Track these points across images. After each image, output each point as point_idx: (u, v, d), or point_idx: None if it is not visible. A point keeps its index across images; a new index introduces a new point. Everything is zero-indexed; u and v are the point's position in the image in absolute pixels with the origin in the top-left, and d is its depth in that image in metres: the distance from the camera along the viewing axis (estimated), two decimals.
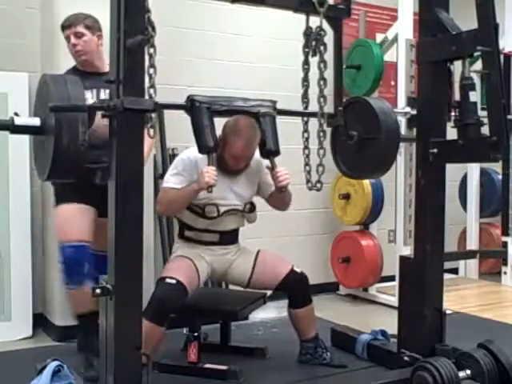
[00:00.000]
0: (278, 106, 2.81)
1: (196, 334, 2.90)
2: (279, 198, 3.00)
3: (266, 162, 2.86)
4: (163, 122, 3.99)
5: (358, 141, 2.85)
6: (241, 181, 2.99)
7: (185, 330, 2.96)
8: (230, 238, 3.03)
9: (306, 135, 2.85)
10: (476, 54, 2.47)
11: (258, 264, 3.01)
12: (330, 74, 2.76)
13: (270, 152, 2.80)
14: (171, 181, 2.88)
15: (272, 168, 2.82)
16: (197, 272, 2.87)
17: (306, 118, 2.89)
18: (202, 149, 2.64)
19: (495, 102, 2.36)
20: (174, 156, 3.83)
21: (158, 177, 3.86)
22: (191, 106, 2.64)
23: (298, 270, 3.02)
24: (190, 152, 2.91)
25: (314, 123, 2.77)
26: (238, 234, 3.10)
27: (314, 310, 3.09)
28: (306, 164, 2.84)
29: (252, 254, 3.05)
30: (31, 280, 3.61)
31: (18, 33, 3.73)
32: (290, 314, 3.06)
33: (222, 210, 2.90)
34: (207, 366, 2.88)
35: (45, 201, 3.76)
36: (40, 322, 3.70)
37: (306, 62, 2.75)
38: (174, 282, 2.72)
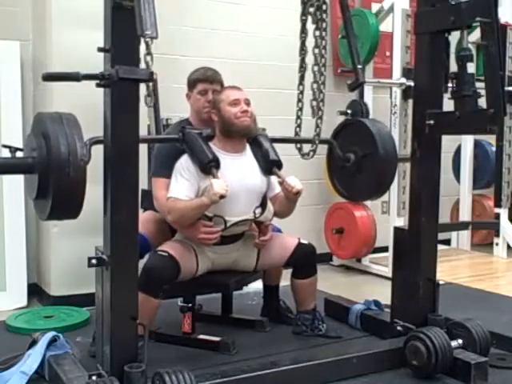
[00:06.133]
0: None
1: (190, 304, 2.91)
2: (287, 203, 2.86)
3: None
4: (157, 92, 3.94)
5: (355, 162, 2.96)
6: (249, 162, 2.85)
7: (179, 301, 2.97)
8: (235, 238, 2.87)
9: (299, 105, 2.92)
10: (474, 24, 2.45)
11: (263, 251, 2.92)
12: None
13: (274, 162, 2.83)
14: (177, 189, 2.70)
15: (282, 181, 2.78)
16: (195, 257, 2.77)
17: (301, 87, 2.93)
18: (205, 167, 2.65)
19: (493, 74, 2.33)
20: (167, 126, 3.79)
21: (152, 147, 3.83)
22: (183, 136, 2.71)
23: (305, 241, 2.97)
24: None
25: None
26: (244, 232, 2.91)
27: (317, 281, 3.06)
28: (296, 134, 2.94)
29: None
30: (25, 250, 3.60)
31: (10, 0, 3.66)
32: (293, 284, 3.04)
33: (230, 223, 2.74)
34: (201, 337, 2.90)
35: None
36: (35, 291, 3.71)
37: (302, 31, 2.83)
38: (165, 254, 2.66)
